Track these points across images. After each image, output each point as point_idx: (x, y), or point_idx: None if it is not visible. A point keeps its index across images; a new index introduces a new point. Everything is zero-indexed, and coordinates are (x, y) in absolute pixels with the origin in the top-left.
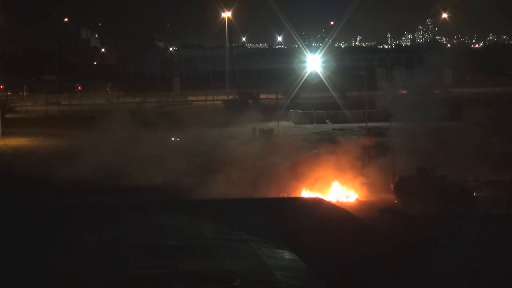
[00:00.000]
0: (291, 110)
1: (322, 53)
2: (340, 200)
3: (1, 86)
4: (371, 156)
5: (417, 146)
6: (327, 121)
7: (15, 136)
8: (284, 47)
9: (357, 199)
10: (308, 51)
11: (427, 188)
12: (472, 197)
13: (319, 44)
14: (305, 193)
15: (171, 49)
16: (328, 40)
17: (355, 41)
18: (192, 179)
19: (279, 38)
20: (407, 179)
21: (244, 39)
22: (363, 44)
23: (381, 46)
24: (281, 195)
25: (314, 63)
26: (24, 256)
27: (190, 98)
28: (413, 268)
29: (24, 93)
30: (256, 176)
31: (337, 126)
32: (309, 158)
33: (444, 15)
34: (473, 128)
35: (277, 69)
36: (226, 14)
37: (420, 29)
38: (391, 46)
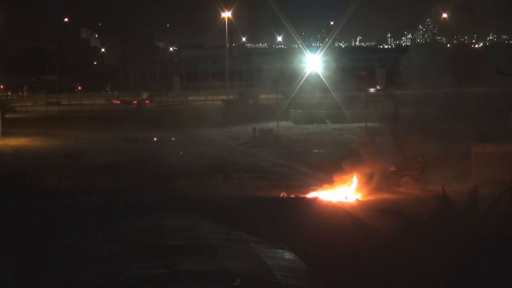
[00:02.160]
0: (291, 110)
1: (322, 53)
2: (340, 200)
3: (1, 86)
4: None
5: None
6: (327, 121)
7: (15, 136)
8: (284, 47)
9: (357, 199)
10: (308, 51)
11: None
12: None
13: (319, 44)
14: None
15: (171, 49)
16: (328, 40)
17: (355, 41)
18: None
19: (279, 38)
20: None
21: (244, 39)
22: (363, 44)
23: (381, 46)
24: (281, 195)
25: (314, 63)
26: (24, 256)
27: (190, 98)
28: (413, 268)
29: (24, 93)
30: None
31: (337, 126)
32: None
33: (444, 15)
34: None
35: (277, 69)
36: (226, 14)
37: (420, 29)
38: (391, 46)
